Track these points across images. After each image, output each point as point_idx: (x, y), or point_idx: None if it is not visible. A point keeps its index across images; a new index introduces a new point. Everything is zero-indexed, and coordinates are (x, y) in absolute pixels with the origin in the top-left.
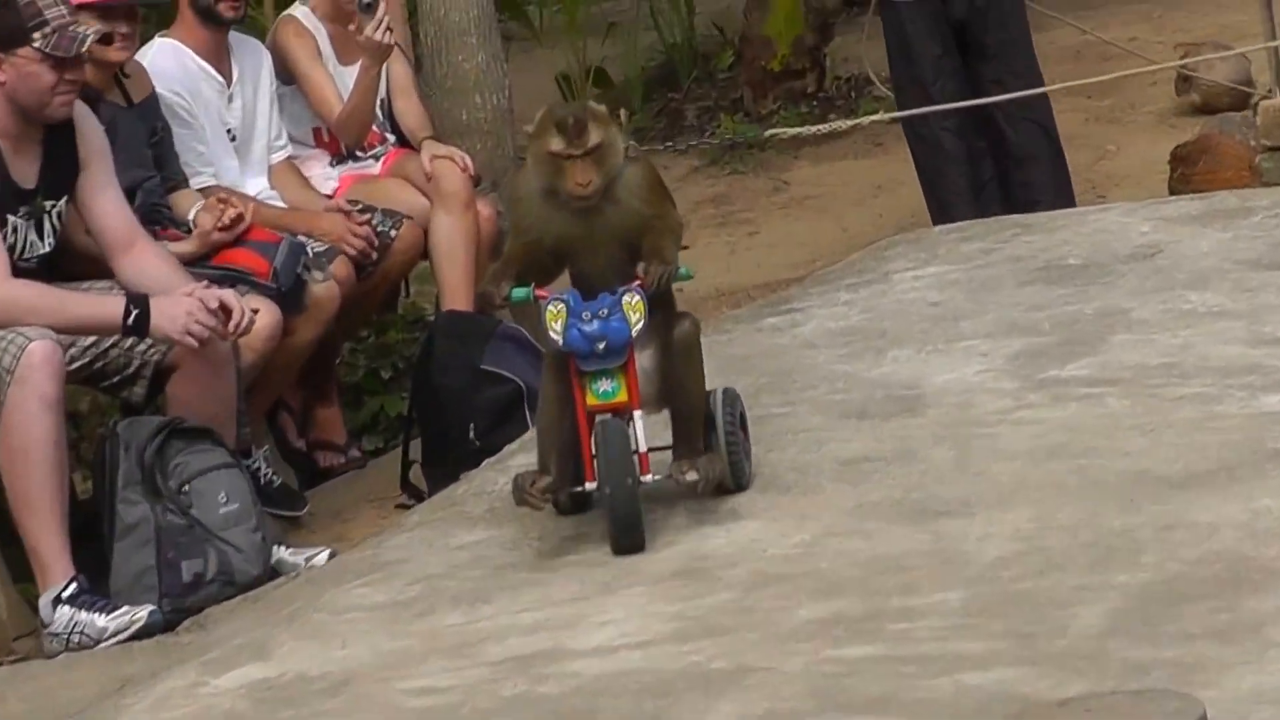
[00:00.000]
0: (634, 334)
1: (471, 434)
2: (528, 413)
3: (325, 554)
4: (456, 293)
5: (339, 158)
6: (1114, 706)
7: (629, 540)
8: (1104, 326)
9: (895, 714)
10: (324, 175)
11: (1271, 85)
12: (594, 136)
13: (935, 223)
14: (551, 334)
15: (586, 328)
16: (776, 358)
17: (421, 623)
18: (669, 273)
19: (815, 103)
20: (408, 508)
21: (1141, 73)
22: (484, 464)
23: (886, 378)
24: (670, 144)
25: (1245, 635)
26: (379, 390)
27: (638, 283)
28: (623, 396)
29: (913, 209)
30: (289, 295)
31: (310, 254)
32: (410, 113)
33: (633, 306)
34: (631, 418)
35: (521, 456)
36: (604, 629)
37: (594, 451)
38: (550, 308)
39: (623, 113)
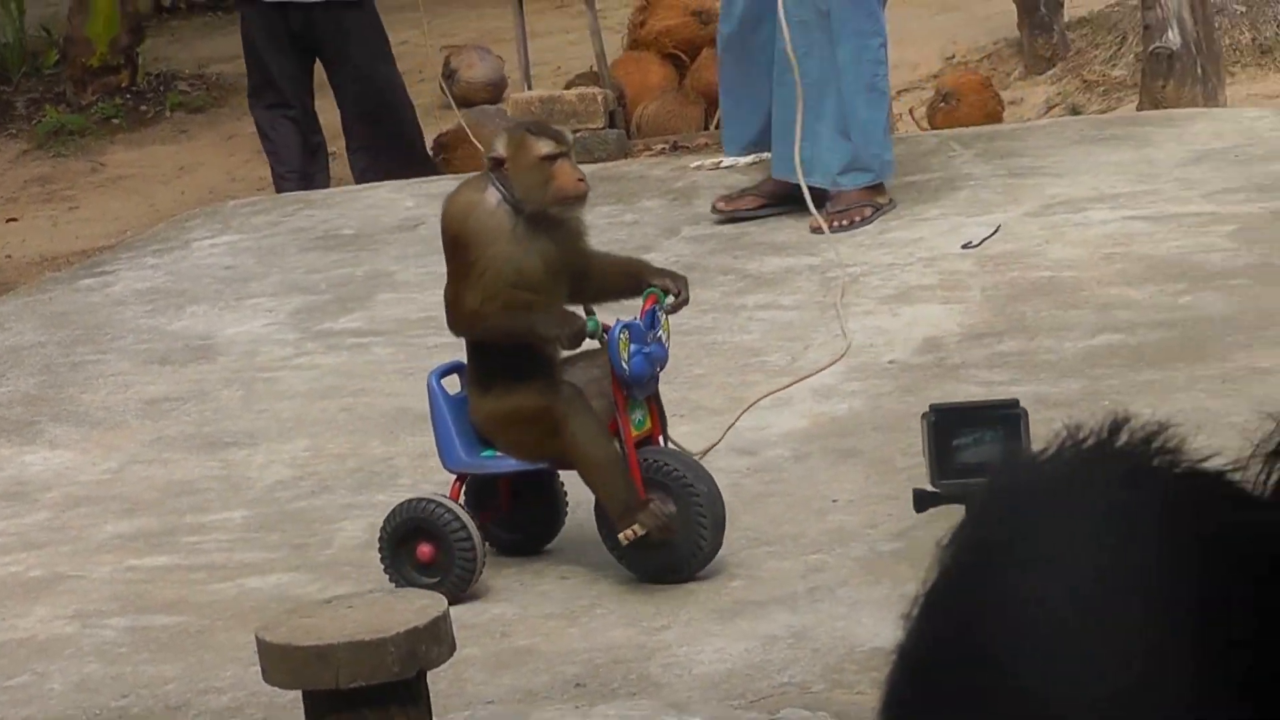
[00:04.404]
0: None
1: None
2: None
3: None
4: None
5: None
6: (372, 603)
7: None
8: (371, 286)
9: (186, 613)
10: None
11: (521, 81)
12: (569, 134)
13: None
14: (623, 363)
15: (649, 351)
16: (91, 313)
17: None
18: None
19: (129, 95)
20: None
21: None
22: None
23: (185, 330)
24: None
25: None
26: None
27: (650, 303)
28: (648, 425)
29: (211, 186)
30: None
31: None
32: None
33: (665, 326)
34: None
35: None
36: None
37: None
38: (621, 335)
39: None
